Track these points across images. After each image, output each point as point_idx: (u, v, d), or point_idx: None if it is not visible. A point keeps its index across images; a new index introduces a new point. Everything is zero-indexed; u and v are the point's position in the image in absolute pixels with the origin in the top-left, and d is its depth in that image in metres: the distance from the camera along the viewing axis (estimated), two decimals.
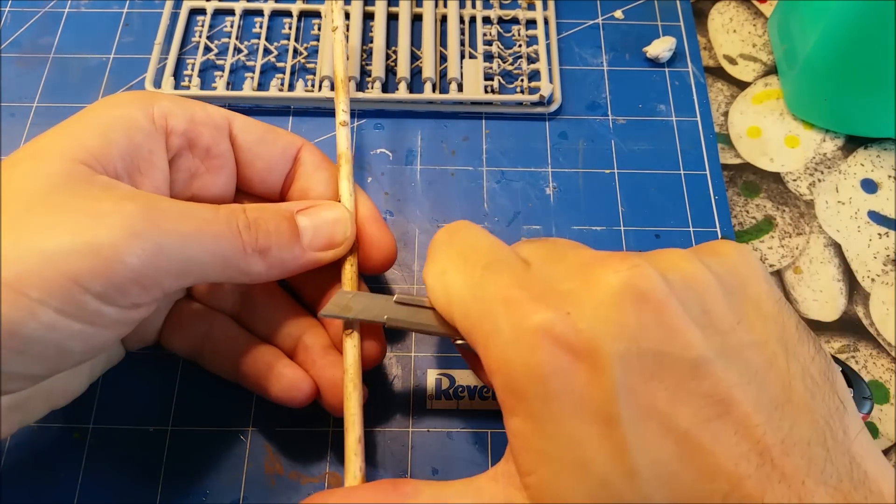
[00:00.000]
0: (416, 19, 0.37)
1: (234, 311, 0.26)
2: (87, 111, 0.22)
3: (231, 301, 0.26)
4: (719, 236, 0.32)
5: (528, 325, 0.18)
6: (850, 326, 0.30)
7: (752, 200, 0.33)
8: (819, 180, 0.34)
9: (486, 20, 0.37)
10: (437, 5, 0.37)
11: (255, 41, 0.36)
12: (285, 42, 0.36)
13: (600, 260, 0.19)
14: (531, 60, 0.36)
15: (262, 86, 0.35)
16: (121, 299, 0.19)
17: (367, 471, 0.22)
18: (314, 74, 0.35)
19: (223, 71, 0.35)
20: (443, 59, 0.36)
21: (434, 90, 0.34)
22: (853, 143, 0.35)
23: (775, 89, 0.36)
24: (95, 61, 0.35)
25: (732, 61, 0.37)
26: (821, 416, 0.17)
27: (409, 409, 0.27)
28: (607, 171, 0.33)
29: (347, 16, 0.36)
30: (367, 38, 0.36)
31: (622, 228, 0.32)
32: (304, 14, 0.37)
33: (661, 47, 0.36)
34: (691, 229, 0.32)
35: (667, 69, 0.36)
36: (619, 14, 0.38)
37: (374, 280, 0.30)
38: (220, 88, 0.34)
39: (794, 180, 0.34)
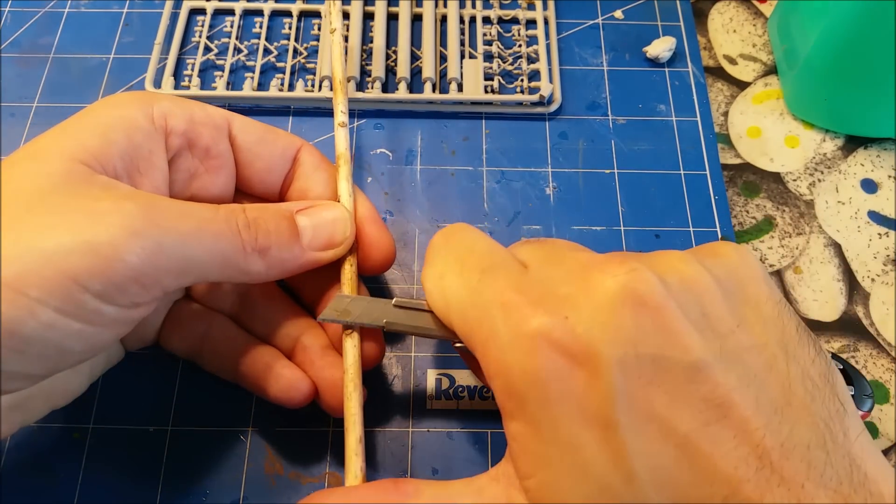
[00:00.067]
0: (416, 19, 0.37)
1: (232, 312, 0.26)
2: (86, 111, 0.22)
3: (230, 301, 0.26)
4: (719, 236, 0.32)
5: (525, 329, 0.18)
6: (850, 326, 0.30)
7: (752, 200, 0.33)
8: (819, 180, 0.34)
9: (486, 20, 0.37)
10: (437, 5, 0.37)
11: (255, 41, 0.36)
12: (285, 42, 0.36)
13: (598, 263, 0.19)
14: (531, 60, 0.36)
15: (262, 86, 0.35)
16: (120, 298, 0.19)
17: (367, 471, 0.22)
18: (314, 74, 0.35)
19: (223, 71, 0.35)
20: (443, 59, 0.36)
21: (434, 90, 0.34)
22: (853, 143, 0.35)
23: (775, 89, 0.36)
24: (95, 61, 0.35)
25: (732, 61, 0.37)
26: (821, 418, 0.17)
27: (409, 409, 0.27)
28: (607, 171, 0.33)
29: (347, 16, 0.36)
30: (366, 38, 0.36)
31: (622, 228, 0.32)
32: (304, 14, 0.37)
33: (661, 47, 0.36)
34: (691, 229, 0.32)
35: (667, 69, 0.36)
36: (619, 14, 0.38)
37: (373, 280, 0.30)
38: (220, 88, 0.34)
39: (794, 180, 0.34)
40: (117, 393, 0.27)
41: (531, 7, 0.38)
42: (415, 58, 0.35)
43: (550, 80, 0.35)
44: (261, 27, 0.36)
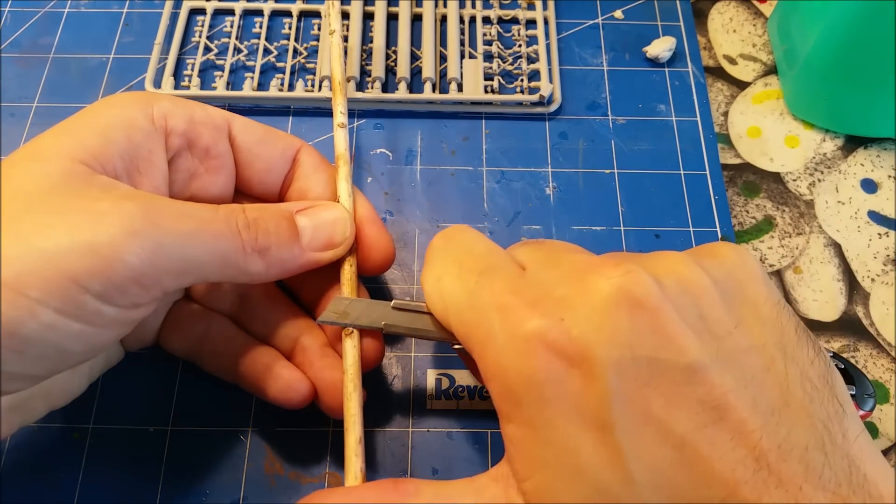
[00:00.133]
0: (416, 19, 0.37)
1: (231, 312, 0.26)
2: (86, 111, 0.22)
3: (229, 302, 0.26)
4: (719, 236, 0.32)
5: (522, 331, 0.18)
6: (850, 326, 0.30)
7: (752, 200, 0.33)
8: (819, 180, 0.34)
9: (486, 20, 0.37)
10: (436, 5, 0.37)
11: (255, 41, 0.36)
12: (285, 42, 0.36)
13: (595, 265, 0.19)
14: (531, 60, 0.36)
15: (261, 86, 0.35)
16: (120, 299, 0.19)
17: (367, 471, 0.22)
18: (314, 74, 0.35)
19: (223, 71, 0.35)
20: (443, 59, 0.36)
21: (434, 90, 0.34)
22: (853, 143, 0.35)
23: (775, 89, 0.36)
24: (95, 61, 0.35)
25: (732, 61, 0.37)
26: (819, 420, 0.17)
27: (409, 409, 0.27)
28: (607, 171, 0.33)
29: (346, 16, 0.36)
30: (366, 38, 0.36)
31: (622, 228, 0.32)
32: (303, 14, 0.37)
33: (661, 47, 0.36)
34: (691, 229, 0.32)
35: (667, 69, 0.36)
36: (619, 14, 0.38)
37: (373, 280, 0.30)
38: (219, 88, 0.34)
39: (794, 180, 0.34)
40: (117, 393, 0.27)
41: (531, 7, 0.38)
42: (415, 58, 0.35)
43: (550, 80, 0.35)
44: (261, 27, 0.36)
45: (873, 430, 0.28)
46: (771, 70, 0.37)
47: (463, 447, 0.27)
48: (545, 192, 0.32)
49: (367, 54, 0.35)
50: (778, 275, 0.31)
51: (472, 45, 0.36)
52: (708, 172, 0.33)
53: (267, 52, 0.35)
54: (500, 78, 0.35)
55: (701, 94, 0.35)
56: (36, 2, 0.37)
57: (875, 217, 0.33)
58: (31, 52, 0.35)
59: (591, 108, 0.35)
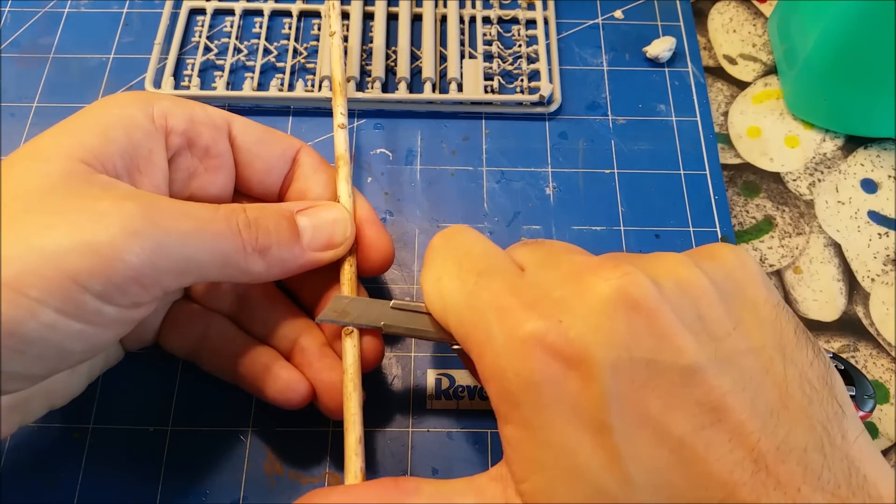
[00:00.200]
0: (416, 19, 0.37)
1: (231, 312, 0.26)
2: (86, 110, 0.22)
3: (228, 302, 0.26)
4: (719, 236, 0.32)
5: (520, 333, 0.18)
6: (850, 326, 0.30)
7: (752, 200, 0.33)
8: (819, 180, 0.34)
9: (486, 20, 0.37)
10: (436, 5, 0.37)
11: (255, 41, 0.36)
12: (285, 42, 0.36)
13: (593, 266, 0.19)
14: (531, 60, 0.36)
15: (261, 86, 0.35)
16: (121, 299, 0.19)
17: (367, 471, 0.22)
18: (314, 74, 0.35)
19: (223, 71, 0.35)
20: (443, 59, 0.36)
21: (434, 90, 0.34)
22: (853, 143, 0.35)
23: (775, 89, 0.36)
24: (95, 61, 0.35)
25: (732, 61, 0.37)
26: (818, 421, 0.17)
27: (409, 409, 0.27)
28: (607, 171, 0.33)
29: (346, 16, 0.36)
30: (366, 38, 0.36)
31: (622, 228, 0.32)
32: (303, 14, 0.37)
33: (661, 47, 0.36)
34: (691, 229, 0.32)
35: (667, 69, 0.36)
36: (619, 14, 0.38)
37: (372, 280, 0.30)
38: (219, 88, 0.34)
39: (794, 180, 0.34)
40: (117, 393, 0.27)
41: (531, 7, 0.38)
42: (415, 58, 0.35)
43: (550, 80, 0.35)
44: (261, 27, 0.36)
45: (873, 431, 0.28)
46: (771, 70, 0.37)
47: (463, 447, 0.27)
48: (545, 192, 0.32)
49: (367, 54, 0.35)
50: (778, 275, 0.31)
51: (472, 45, 0.36)
52: (708, 172, 0.33)
53: (267, 52, 0.35)
54: (500, 78, 0.35)
55: (701, 94, 0.35)
56: (36, 2, 0.37)
57: (875, 217, 0.33)
58: (31, 52, 0.35)
59: (591, 108, 0.35)
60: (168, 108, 0.23)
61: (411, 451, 0.27)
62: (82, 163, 0.20)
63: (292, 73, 0.35)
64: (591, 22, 0.38)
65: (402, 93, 0.34)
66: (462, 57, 0.35)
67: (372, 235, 0.25)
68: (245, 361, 0.25)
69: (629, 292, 0.17)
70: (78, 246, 0.18)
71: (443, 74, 0.35)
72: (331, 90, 0.34)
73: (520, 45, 0.36)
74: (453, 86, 0.34)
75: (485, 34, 0.36)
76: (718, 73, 0.37)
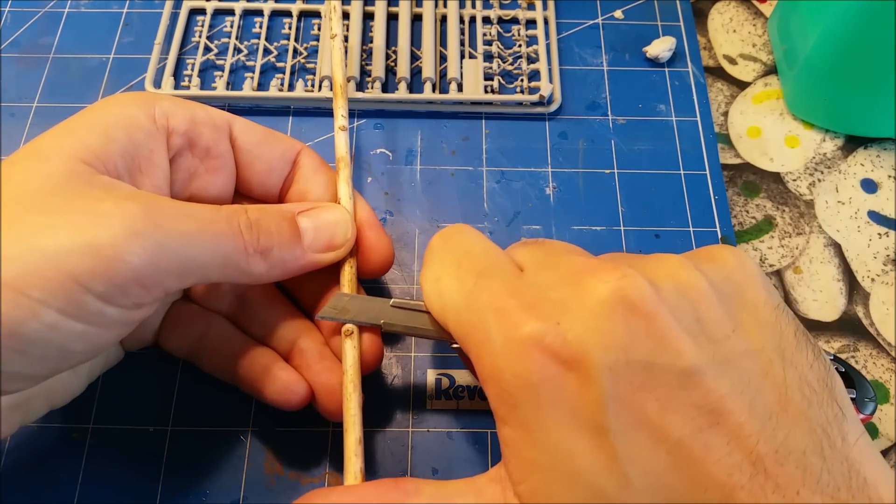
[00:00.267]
0: (416, 19, 0.37)
1: (230, 313, 0.26)
2: (87, 111, 0.22)
3: (227, 302, 0.26)
4: (719, 236, 0.32)
5: (518, 334, 0.18)
6: (850, 326, 0.30)
7: (752, 200, 0.33)
8: (819, 180, 0.34)
9: (486, 20, 0.37)
10: (436, 5, 0.37)
11: (255, 41, 0.36)
12: (285, 42, 0.36)
13: (592, 268, 0.19)
14: (531, 60, 0.36)
15: (261, 86, 0.35)
16: (122, 299, 0.19)
17: (366, 472, 0.22)
18: (314, 74, 0.35)
19: (223, 71, 0.35)
20: (443, 59, 0.36)
21: (434, 90, 0.34)
22: (853, 143, 0.35)
23: (775, 89, 0.36)
24: (95, 61, 0.35)
25: (732, 61, 0.37)
26: (818, 424, 0.17)
27: (409, 409, 0.27)
28: (607, 171, 0.33)
29: (346, 16, 0.36)
30: (366, 38, 0.36)
31: (622, 228, 0.32)
32: (303, 14, 0.37)
33: (661, 47, 0.36)
34: (691, 229, 0.32)
35: (667, 69, 0.36)
36: (619, 14, 0.38)
37: (372, 279, 0.30)
38: (219, 88, 0.34)
39: (794, 180, 0.34)
40: (117, 393, 0.27)
41: (531, 7, 0.38)
42: (415, 58, 0.35)
43: (550, 80, 0.35)
44: (261, 27, 0.36)
45: (873, 431, 0.28)
46: (771, 70, 0.37)
47: (463, 447, 0.27)
48: (545, 192, 0.32)
49: (367, 54, 0.35)
50: (778, 275, 0.31)
51: (472, 45, 0.36)
52: (708, 172, 0.33)
53: (267, 52, 0.35)
54: (500, 78, 0.35)
55: (701, 94, 0.35)
56: (36, 2, 0.37)
57: (875, 217, 0.33)
58: (31, 52, 0.35)
59: (591, 108, 0.35)
60: (169, 109, 0.23)
61: (411, 451, 0.27)
62: (83, 163, 0.20)
63: (292, 73, 0.35)
64: (591, 22, 0.38)
65: (402, 93, 0.34)
66: (462, 57, 0.35)
67: (372, 237, 0.25)
68: (244, 362, 0.25)
69: (627, 294, 0.17)
70: (79, 246, 0.18)
71: (443, 74, 0.35)
72: (331, 90, 0.34)
73: (520, 45, 0.36)
74: (453, 86, 0.34)
75: (485, 34, 0.36)
76: (718, 73, 0.37)
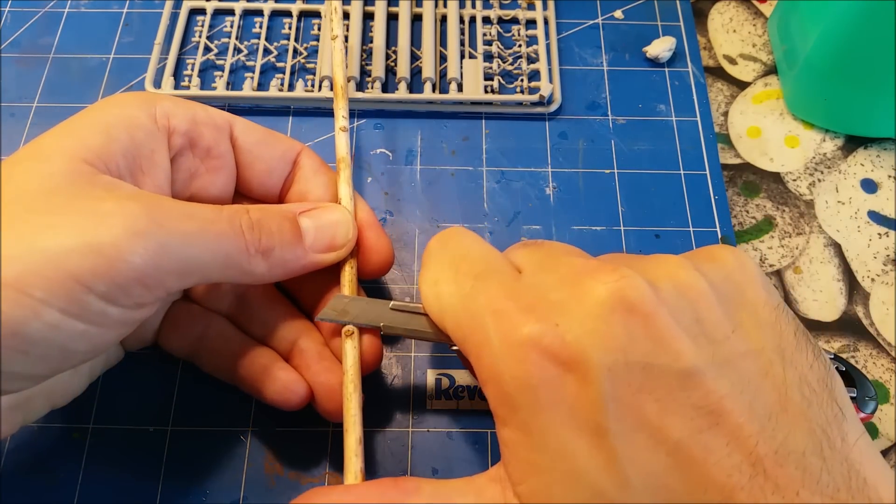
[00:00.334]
0: (416, 19, 0.37)
1: (230, 313, 0.26)
2: (89, 110, 0.22)
3: (227, 302, 0.26)
4: (719, 236, 0.32)
5: (516, 336, 0.18)
6: (850, 326, 0.30)
7: (752, 200, 0.33)
8: (819, 180, 0.34)
9: (486, 20, 0.37)
10: (436, 5, 0.37)
11: (255, 41, 0.36)
12: (285, 42, 0.36)
13: (591, 269, 0.19)
14: (531, 60, 0.36)
15: (261, 86, 0.35)
16: (124, 299, 0.19)
17: (366, 472, 0.22)
18: (314, 74, 0.35)
19: (223, 71, 0.35)
20: (443, 59, 0.36)
21: (434, 90, 0.34)
22: (853, 143, 0.35)
23: (775, 89, 0.36)
24: (95, 61, 0.35)
25: (732, 61, 0.37)
26: (818, 424, 0.17)
27: (409, 409, 0.27)
28: (607, 171, 0.33)
29: (347, 16, 0.36)
30: (366, 38, 0.36)
31: (622, 228, 0.32)
32: (303, 14, 0.37)
33: (661, 47, 0.36)
34: (691, 229, 0.32)
35: (667, 69, 0.36)
36: (619, 14, 0.38)
37: (372, 279, 0.30)
38: (219, 88, 0.34)
39: (794, 180, 0.34)
40: (117, 393, 0.27)
41: (531, 7, 0.38)
42: (415, 58, 0.35)
43: (550, 80, 0.35)
44: (261, 27, 0.36)
45: (873, 431, 0.28)
46: (771, 70, 0.37)
47: (463, 447, 0.27)
48: (545, 192, 0.32)
49: (367, 54, 0.35)
50: (778, 275, 0.31)
51: (472, 45, 0.36)
52: (708, 172, 0.33)
53: (267, 52, 0.35)
54: (500, 78, 0.35)
55: (701, 94, 0.35)
56: (36, 2, 0.37)
57: (875, 217, 0.33)
58: (31, 52, 0.35)
59: (591, 108, 0.35)
60: (170, 109, 0.23)
61: (411, 451, 0.27)
62: (85, 163, 0.20)
63: (292, 73, 0.35)
64: (591, 22, 0.38)
65: (402, 93, 0.34)
66: (462, 57, 0.35)
67: (372, 238, 0.25)
68: (244, 362, 0.25)
69: (626, 295, 0.17)
70: (81, 246, 0.18)
71: (443, 74, 0.35)
72: (331, 90, 0.34)
73: (520, 45, 0.36)
74: (453, 86, 0.34)
75: (485, 34, 0.36)
76: (718, 73, 0.37)
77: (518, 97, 0.34)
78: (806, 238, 0.32)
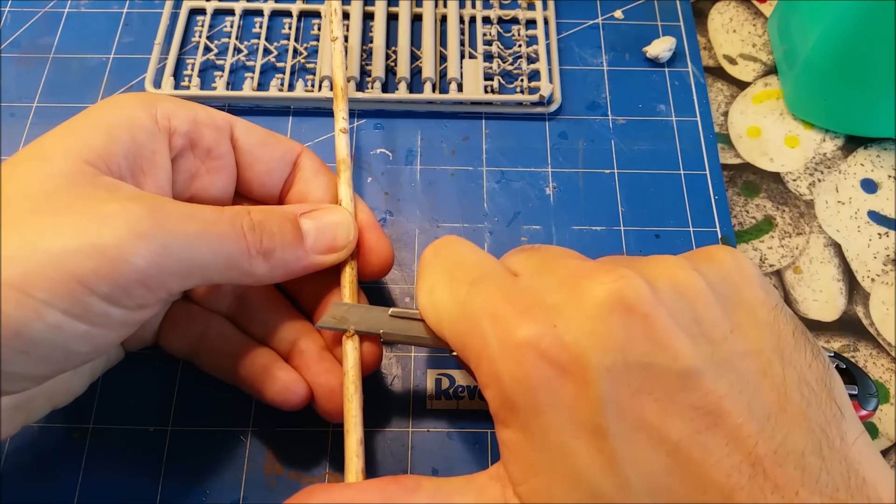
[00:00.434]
0: (416, 19, 0.37)
1: (230, 313, 0.26)
2: (90, 111, 0.22)
3: (227, 302, 0.26)
4: (719, 236, 0.32)
5: (513, 338, 0.18)
6: (850, 326, 0.30)
7: (752, 200, 0.33)
8: (819, 180, 0.34)
9: (486, 20, 0.37)
10: (437, 5, 0.37)
11: (255, 41, 0.36)
12: (285, 42, 0.36)
13: (588, 271, 0.19)
14: (531, 60, 0.36)
15: (261, 86, 0.34)
16: (126, 300, 0.19)
17: (366, 472, 0.22)
18: (314, 74, 0.35)
19: (223, 71, 0.35)
20: (443, 59, 0.36)
21: (434, 90, 0.34)
22: (853, 143, 0.35)
23: (775, 89, 0.36)
24: (95, 61, 0.35)
25: (732, 61, 0.37)
26: (817, 424, 0.17)
27: (409, 409, 0.27)
28: (607, 171, 0.33)
29: (346, 16, 0.36)
30: (366, 38, 0.36)
31: (622, 228, 0.32)
32: (303, 14, 0.37)
33: (661, 47, 0.36)
34: (691, 229, 0.32)
35: (667, 69, 0.36)
36: (619, 14, 0.38)
37: (372, 281, 0.30)
38: (219, 88, 0.34)
39: (794, 180, 0.34)
40: (117, 393, 0.27)
41: (531, 7, 0.38)
42: (415, 58, 0.35)
43: (550, 80, 0.35)
44: (261, 27, 0.36)
45: (873, 431, 0.28)
46: (771, 70, 0.37)
47: (463, 447, 0.27)
48: (545, 192, 0.32)
49: (367, 54, 0.35)
50: (778, 275, 0.31)
51: (472, 45, 0.36)
52: (708, 172, 0.33)
53: (267, 52, 0.35)
54: (500, 78, 0.35)
55: (701, 94, 0.35)
56: (36, 2, 0.37)
57: (875, 217, 0.33)
58: (31, 52, 0.35)
59: (591, 108, 0.35)
60: (171, 110, 0.23)
61: (411, 451, 0.27)
62: (87, 164, 0.20)
63: (292, 73, 0.35)
64: (591, 22, 0.38)
65: (402, 93, 0.34)
66: (462, 57, 0.35)
67: (372, 239, 0.25)
68: (244, 362, 0.25)
69: (624, 296, 0.17)
70: (84, 247, 0.18)
71: (443, 74, 0.35)
72: (331, 90, 0.34)
73: (520, 45, 0.36)
74: (453, 86, 0.34)
75: (485, 34, 0.36)
76: (718, 73, 0.37)
77: (518, 97, 0.34)
78: (806, 238, 0.32)
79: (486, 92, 0.34)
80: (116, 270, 0.18)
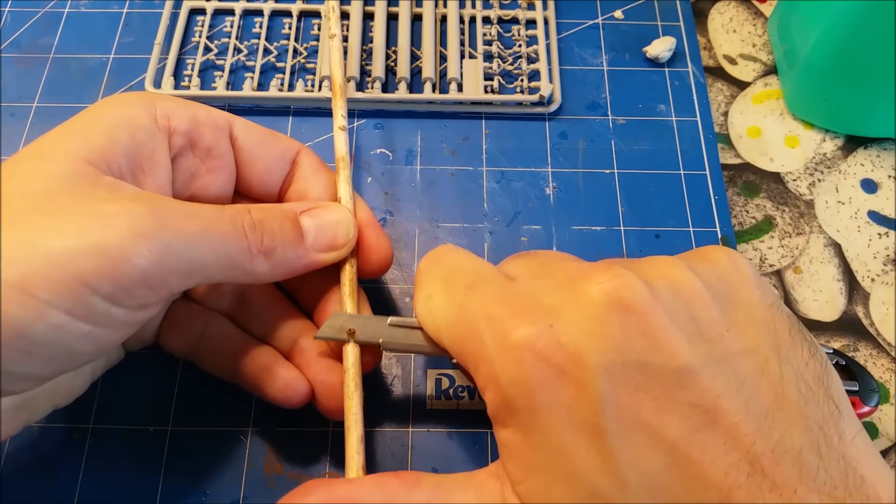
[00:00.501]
0: (416, 19, 0.37)
1: (230, 312, 0.26)
2: (90, 111, 0.22)
3: (227, 301, 0.26)
4: (719, 236, 0.32)
5: (511, 340, 0.18)
6: (850, 326, 0.30)
7: (752, 200, 0.33)
8: (819, 180, 0.34)
9: (486, 20, 0.37)
10: (437, 5, 0.37)
11: (255, 41, 0.36)
12: (285, 42, 0.36)
13: (585, 272, 0.19)
14: (531, 60, 0.36)
15: (261, 86, 0.35)
16: (128, 300, 0.19)
17: (366, 470, 0.22)
18: (314, 74, 0.35)
19: (223, 71, 0.35)
20: (443, 59, 0.36)
21: (434, 90, 0.34)
22: (853, 143, 0.35)
23: (775, 89, 0.36)
24: (95, 61, 0.35)
25: (732, 61, 0.37)
26: (814, 422, 0.17)
27: (409, 409, 0.27)
28: (607, 171, 0.33)
29: (346, 16, 0.36)
30: (366, 38, 0.36)
31: (622, 228, 0.32)
32: (303, 14, 0.37)
33: (661, 47, 0.36)
34: (691, 229, 0.32)
35: (667, 69, 0.36)
36: (619, 14, 0.38)
37: (372, 279, 0.30)
38: (219, 88, 0.34)
39: (794, 180, 0.34)
40: (117, 393, 0.27)
41: (531, 7, 0.38)
42: (415, 58, 0.35)
43: (550, 80, 0.35)
44: (261, 27, 0.36)
45: (873, 431, 0.28)
46: (771, 70, 0.37)
47: (463, 447, 0.27)
48: (545, 192, 0.32)
49: (367, 54, 0.35)
50: (778, 275, 0.31)
51: (472, 45, 0.36)
52: (708, 172, 0.33)
53: (267, 52, 0.35)
54: (500, 78, 0.35)
55: (701, 94, 0.35)
56: (36, 2, 0.37)
57: (875, 217, 0.33)
58: (31, 52, 0.35)
59: (591, 108, 0.35)
60: (171, 109, 0.23)
61: (411, 451, 0.27)
62: (87, 163, 0.20)
63: (292, 73, 0.35)
64: (591, 22, 0.38)
65: (402, 93, 0.34)
66: (462, 57, 0.35)
67: (371, 238, 0.25)
68: (245, 360, 0.25)
69: (621, 295, 0.17)
70: (86, 248, 0.18)
71: (443, 74, 0.35)
72: (331, 90, 0.34)
73: (520, 45, 0.36)
74: (453, 86, 0.34)
75: (485, 34, 0.36)
76: (718, 73, 0.37)
77: (518, 97, 0.34)
78: (806, 238, 0.32)
79: (486, 92, 0.34)
80: (118, 270, 0.18)
